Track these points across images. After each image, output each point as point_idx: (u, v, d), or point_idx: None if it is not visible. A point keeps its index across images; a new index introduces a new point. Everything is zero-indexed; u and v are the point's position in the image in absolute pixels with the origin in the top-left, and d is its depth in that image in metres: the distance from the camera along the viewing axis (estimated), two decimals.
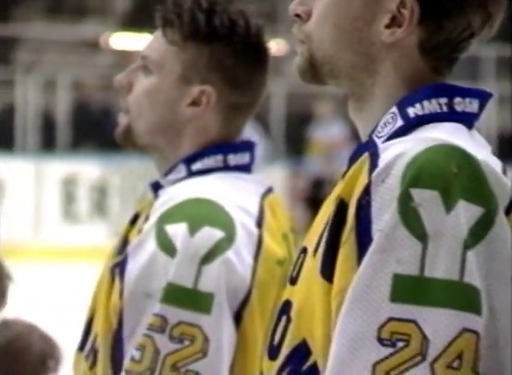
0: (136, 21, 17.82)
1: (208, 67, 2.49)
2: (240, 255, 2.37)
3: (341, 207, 1.64)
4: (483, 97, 1.72)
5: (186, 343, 2.34)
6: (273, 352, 1.72)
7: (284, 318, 1.72)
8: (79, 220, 18.15)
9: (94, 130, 17.47)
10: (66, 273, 11.98)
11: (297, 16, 1.71)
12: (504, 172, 1.63)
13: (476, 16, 1.66)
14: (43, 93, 19.07)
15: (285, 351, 1.69)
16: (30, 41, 21.13)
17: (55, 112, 18.94)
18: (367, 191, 1.58)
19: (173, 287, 2.35)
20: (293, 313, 1.71)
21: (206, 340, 2.32)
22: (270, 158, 16.84)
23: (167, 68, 2.49)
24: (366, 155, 1.63)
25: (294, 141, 18.68)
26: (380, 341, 1.54)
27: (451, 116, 1.67)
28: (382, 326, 1.54)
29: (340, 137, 17.45)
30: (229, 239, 2.37)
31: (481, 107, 1.70)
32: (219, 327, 2.35)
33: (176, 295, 2.36)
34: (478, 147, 1.62)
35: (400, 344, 1.52)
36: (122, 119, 2.43)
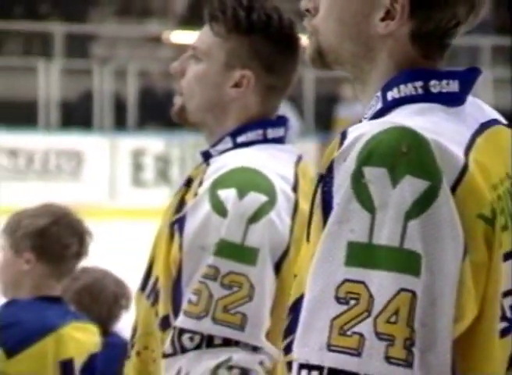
0: (191, 20, 17.89)
1: (248, 55, 2.49)
2: (281, 216, 2.37)
3: (320, 180, 1.63)
4: (466, 76, 1.67)
5: (235, 289, 2.34)
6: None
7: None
8: (146, 186, 18.35)
9: (158, 110, 17.71)
10: (136, 230, 12.11)
11: (307, 10, 1.68)
12: (470, 146, 1.57)
13: (461, 6, 1.62)
14: (115, 81, 19.33)
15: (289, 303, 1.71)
16: (104, 37, 21.56)
17: (125, 97, 19.32)
18: (330, 169, 1.56)
19: (225, 243, 2.35)
20: (297, 270, 1.74)
21: (251, 287, 2.33)
22: (302, 134, 17.16)
23: (213, 56, 2.50)
24: (339, 135, 1.61)
25: (323, 119, 19.10)
26: (337, 299, 1.53)
27: (426, 97, 1.63)
28: (339, 286, 1.52)
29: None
30: (271, 202, 2.38)
31: (466, 85, 1.65)
32: (263, 276, 2.36)
33: (227, 250, 2.37)
34: (440, 124, 1.57)
35: (352, 302, 1.52)
36: (177, 101, 2.45)
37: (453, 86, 1.61)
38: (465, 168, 1.55)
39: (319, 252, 1.57)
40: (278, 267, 2.38)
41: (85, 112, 18.75)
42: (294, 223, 2.34)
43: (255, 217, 2.40)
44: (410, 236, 1.54)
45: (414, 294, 1.53)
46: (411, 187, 1.53)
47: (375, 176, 1.53)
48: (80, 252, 3.28)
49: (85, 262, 3.45)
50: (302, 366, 1.57)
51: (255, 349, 2.34)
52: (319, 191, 1.63)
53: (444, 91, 1.61)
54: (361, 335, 1.53)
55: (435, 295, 1.54)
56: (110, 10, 22.00)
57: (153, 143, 18.18)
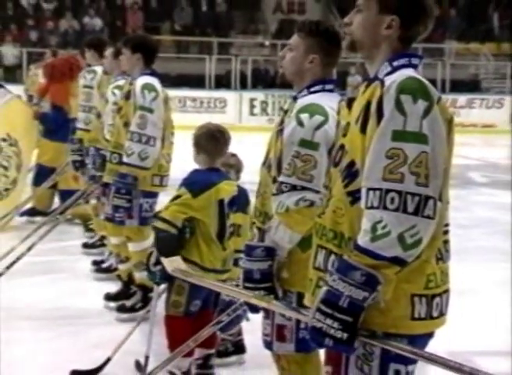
0: None
1: (317, 47, 2.90)
2: (331, 128, 2.73)
3: (368, 104, 2.13)
4: (418, 56, 2.23)
5: (308, 162, 2.74)
6: (336, 164, 2.25)
7: (341, 151, 2.22)
8: None
9: None
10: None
11: (346, 24, 2.25)
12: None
13: (426, 25, 2.21)
14: None
15: (343, 164, 2.19)
16: None
17: None
18: (381, 97, 2.08)
19: (302, 140, 2.76)
20: (346, 148, 2.19)
21: (316, 162, 2.73)
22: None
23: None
24: (378, 82, 2.15)
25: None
26: (387, 157, 2.03)
27: (410, 66, 2.18)
28: (388, 150, 2.02)
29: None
30: (326, 120, 2.78)
31: (420, 61, 2.20)
32: (322, 156, 2.73)
33: (305, 142, 2.75)
34: (420, 76, 2.13)
35: (395, 158, 2.01)
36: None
37: (416, 60, 2.21)
38: (439, 96, 2.10)
39: (378, 135, 2.04)
40: (329, 152, 2.65)
41: None
42: (337, 130, 2.47)
43: (320, 126, 2.76)
44: (423, 126, 2.02)
45: (427, 153, 2.01)
46: (422, 104, 2.03)
47: (405, 99, 2.03)
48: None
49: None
50: (369, 189, 2.04)
51: (317, 192, 2.68)
52: (375, 107, 2.06)
53: (414, 62, 2.20)
54: (402, 173, 2.00)
55: (435, 154, 2.03)
56: None
57: None
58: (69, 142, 6.72)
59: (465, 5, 24.51)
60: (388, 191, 1.98)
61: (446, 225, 2.18)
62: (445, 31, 22.53)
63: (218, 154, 3.77)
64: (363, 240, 2.02)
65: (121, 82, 5.50)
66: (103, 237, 6.45)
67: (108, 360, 4.07)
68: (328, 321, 2.01)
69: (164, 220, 3.61)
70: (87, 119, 6.47)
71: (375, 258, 2.00)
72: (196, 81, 20.16)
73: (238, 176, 3.88)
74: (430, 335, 2.20)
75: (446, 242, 2.19)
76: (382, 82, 2.10)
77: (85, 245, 6.83)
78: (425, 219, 1.99)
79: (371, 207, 2.01)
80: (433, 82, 2.15)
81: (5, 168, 7.49)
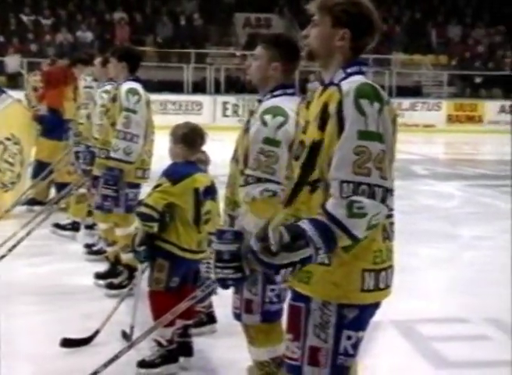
0: None
1: (279, 55, 2.90)
2: (291, 127, 2.70)
3: (325, 106, 2.11)
4: (368, 65, 2.29)
5: (271, 158, 2.72)
6: (297, 157, 2.21)
7: (301, 147, 2.19)
8: None
9: None
10: None
11: (305, 36, 2.23)
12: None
13: (374, 36, 2.21)
14: None
15: (300, 161, 2.17)
16: None
17: None
18: (341, 101, 2.06)
19: (268, 137, 2.76)
20: (305, 144, 2.16)
21: (277, 156, 2.72)
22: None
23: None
24: (335, 87, 2.12)
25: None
26: (355, 153, 2.02)
27: (360, 72, 2.18)
28: (355, 148, 2.02)
29: None
30: (286, 121, 2.78)
31: (368, 69, 2.24)
32: (283, 152, 2.72)
33: (268, 140, 2.75)
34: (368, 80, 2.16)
35: (362, 155, 2.01)
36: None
37: (365, 68, 2.21)
38: (388, 98, 2.13)
39: (346, 134, 2.03)
40: (289, 148, 2.66)
41: None
42: (295, 130, 2.45)
43: (280, 126, 2.77)
44: (380, 126, 2.04)
45: (384, 150, 2.04)
46: (376, 105, 2.05)
47: (363, 102, 2.04)
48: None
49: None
50: (342, 182, 2.00)
51: (279, 183, 2.67)
52: (334, 109, 2.04)
53: (363, 70, 2.20)
54: (368, 168, 2.01)
55: (388, 150, 2.06)
56: None
57: None
58: (64, 140, 6.70)
59: (408, 22, 24.77)
60: (360, 183, 1.98)
61: (392, 210, 2.18)
62: (391, 44, 22.73)
63: (195, 149, 3.76)
64: (337, 211, 1.99)
65: (108, 87, 5.50)
66: (75, 223, 6.61)
67: (97, 332, 4.04)
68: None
69: (147, 205, 3.61)
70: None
71: (343, 231, 1.98)
72: (175, 87, 20.17)
73: (206, 169, 3.86)
74: (377, 305, 2.20)
75: (392, 224, 2.20)
76: (339, 86, 2.09)
77: (56, 225, 6.80)
78: (385, 207, 2.02)
79: (348, 197, 1.99)
80: (382, 88, 2.12)
81: (11, 164, 7.52)
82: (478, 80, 22.39)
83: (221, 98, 20.01)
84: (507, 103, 21.19)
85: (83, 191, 6.23)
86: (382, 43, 20.09)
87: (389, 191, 2.04)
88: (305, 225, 1.99)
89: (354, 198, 1.98)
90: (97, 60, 5.98)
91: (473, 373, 3.84)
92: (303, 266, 2.00)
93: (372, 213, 1.99)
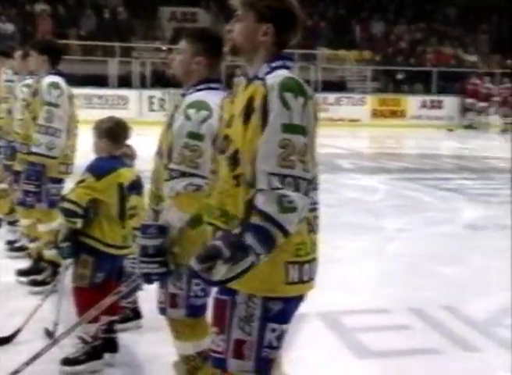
0: None
1: (204, 49, 2.88)
2: (215, 121, 2.64)
3: (251, 99, 2.11)
4: (293, 60, 2.27)
5: (195, 152, 2.70)
6: (222, 151, 2.23)
7: (226, 141, 2.20)
8: None
9: None
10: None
11: (229, 31, 2.22)
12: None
13: (297, 31, 2.21)
14: None
15: (228, 152, 2.17)
16: None
17: None
18: (266, 95, 2.07)
19: (191, 132, 2.74)
20: (230, 138, 2.17)
21: (201, 150, 2.70)
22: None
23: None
24: (259, 81, 2.13)
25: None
26: (280, 146, 2.03)
27: (285, 67, 2.17)
28: (280, 141, 2.03)
29: None
30: (210, 115, 2.75)
31: (292, 64, 2.21)
32: (207, 146, 2.70)
33: (192, 134, 2.74)
34: (293, 74, 2.14)
35: (287, 148, 2.02)
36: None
37: (289, 63, 2.21)
38: (312, 93, 2.12)
39: (270, 127, 2.03)
40: (213, 142, 2.59)
41: None
42: (220, 123, 2.40)
43: (204, 121, 2.75)
44: (303, 120, 2.05)
45: (306, 143, 2.06)
46: (300, 99, 2.06)
47: (288, 96, 2.04)
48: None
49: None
50: (269, 174, 2.02)
51: (203, 177, 2.64)
52: (259, 103, 2.04)
53: (288, 65, 2.20)
54: (293, 160, 2.02)
55: (309, 144, 2.08)
56: None
57: None
58: None
59: (333, 18, 25.06)
60: (285, 176, 2.00)
61: (316, 203, 2.20)
62: (317, 40, 22.92)
63: (119, 144, 3.71)
64: (268, 208, 2.00)
65: (29, 81, 5.39)
66: None
67: (18, 330, 3.96)
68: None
69: (70, 201, 3.57)
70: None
71: (278, 228, 1.99)
72: (100, 81, 19.83)
73: (132, 163, 3.83)
74: (301, 298, 2.21)
75: (316, 217, 2.21)
76: (264, 80, 2.10)
77: None
78: (308, 200, 2.04)
79: (276, 188, 2.00)
80: (307, 82, 2.16)
81: None
82: (400, 76, 22.86)
83: (147, 93, 19.81)
84: (428, 98, 21.85)
85: (4, 186, 6.11)
86: (307, 38, 20.26)
87: (311, 184, 2.06)
88: (242, 233, 1.99)
89: (282, 191, 1.99)
90: (18, 53, 5.87)
91: (395, 362, 3.92)
92: (246, 273, 1.99)
93: (300, 207, 2.01)
